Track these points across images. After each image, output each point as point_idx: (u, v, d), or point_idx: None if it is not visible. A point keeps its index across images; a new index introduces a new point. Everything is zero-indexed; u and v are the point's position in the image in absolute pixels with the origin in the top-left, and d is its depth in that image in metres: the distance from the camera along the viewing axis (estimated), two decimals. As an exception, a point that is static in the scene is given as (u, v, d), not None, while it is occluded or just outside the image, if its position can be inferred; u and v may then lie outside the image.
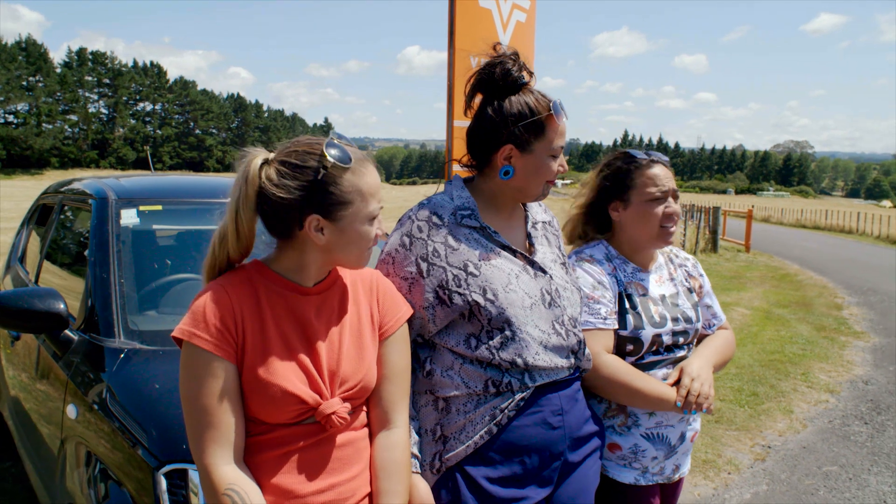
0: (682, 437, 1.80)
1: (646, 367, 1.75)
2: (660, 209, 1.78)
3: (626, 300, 1.77)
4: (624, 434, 1.75)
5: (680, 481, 1.93)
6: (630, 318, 1.74)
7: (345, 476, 1.28)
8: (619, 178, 1.83)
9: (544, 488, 1.48)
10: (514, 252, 1.52)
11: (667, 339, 1.76)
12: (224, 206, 3.01)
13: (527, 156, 1.48)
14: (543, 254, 1.59)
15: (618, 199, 1.83)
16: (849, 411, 5.08)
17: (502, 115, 1.46)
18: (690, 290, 1.92)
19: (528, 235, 1.61)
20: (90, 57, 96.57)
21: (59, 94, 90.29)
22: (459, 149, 3.34)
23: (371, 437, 1.36)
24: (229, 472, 1.16)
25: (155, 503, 1.53)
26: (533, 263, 1.54)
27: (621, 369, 1.68)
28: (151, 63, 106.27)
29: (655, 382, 1.71)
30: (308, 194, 1.21)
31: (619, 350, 1.74)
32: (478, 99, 1.54)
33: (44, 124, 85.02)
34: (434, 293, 1.44)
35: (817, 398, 5.37)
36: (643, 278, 1.84)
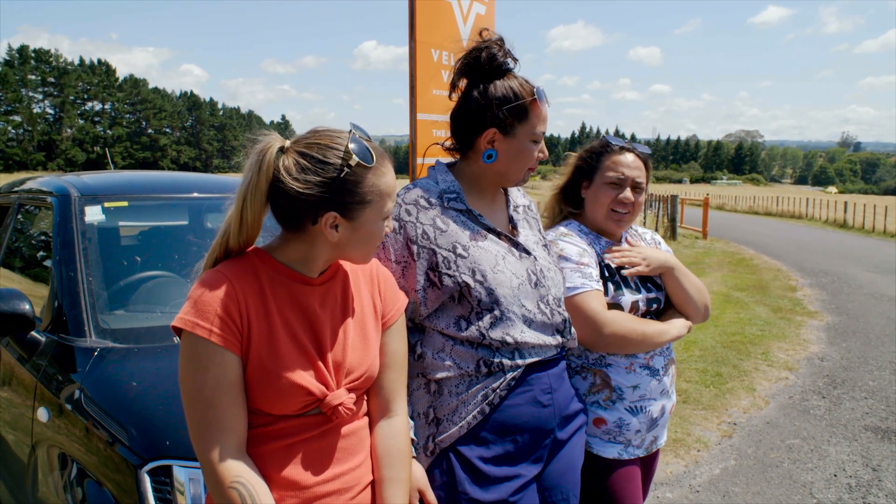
0: (663, 411, 1.87)
1: None
2: (612, 193, 1.86)
3: (605, 269, 1.84)
4: (609, 408, 1.79)
5: (657, 453, 2.00)
6: (610, 285, 1.82)
7: (349, 465, 1.26)
8: (591, 159, 1.93)
9: (536, 465, 1.51)
10: (498, 234, 1.54)
11: (642, 306, 1.84)
12: (193, 202, 2.93)
13: (510, 140, 1.50)
14: (526, 236, 1.61)
15: (586, 178, 1.93)
16: (807, 387, 5.29)
17: (487, 98, 1.48)
18: None
19: (511, 219, 1.62)
20: (33, 55, 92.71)
21: (0, 94, 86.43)
22: (423, 141, 3.36)
23: (371, 425, 1.35)
24: (234, 465, 1.13)
25: (139, 502, 1.49)
26: (517, 245, 1.56)
27: (625, 320, 1.74)
28: (99, 61, 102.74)
29: (652, 322, 1.81)
30: (328, 191, 1.16)
31: None
32: (463, 84, 1.55)
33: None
34: (425, 276, 1.45)
35: (777, 376, 5.57)
36: None
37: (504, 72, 1.51)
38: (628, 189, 1.86)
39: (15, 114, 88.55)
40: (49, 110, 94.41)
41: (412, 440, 1.43)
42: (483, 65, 1.49)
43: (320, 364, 1.22)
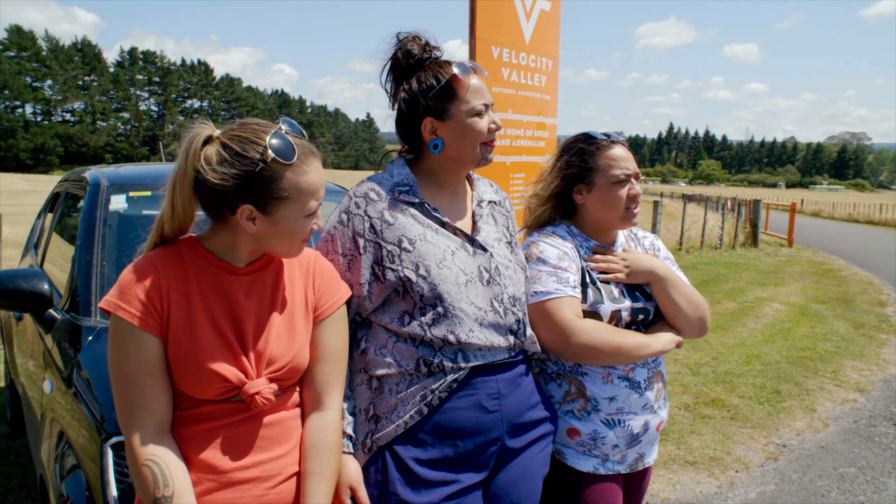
0: (647, 426, 1.74)
1: None
2: (623, 192, 1.76)
3: (587, 274, 1.74)
4: (583, 419, 1.70)
5: (646, 471, 1.87)
6: (590, 292, 1.72)
7: (271, 454, 1.27)
8: (581, 161, 1.80)
9: (479, 473, 1.45)
10: (453, 229, 1.50)
11: (626, 316, 1.73)
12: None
13: (448, 122, 1.48)
14: (487, 232, 1.56)
15: (581, 182, 1.79)
16: (878, 411, 4.83)
17: (413, 93, 1.48)
18: None
19: (473, 213, 1.58)
20: (141, 56, 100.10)
21: (112, 92, 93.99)
22: None
23: (303, 417, 1.36)
24: (150, 444, 1.17)
25: (101, 473, 1.56)
26: (473, 241, 1.51)
27: (599, 330, 1.64)
28: (199, 61, 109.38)
29: (631, 333, 1.69)
30: (243, 184, 1.18)
31: None
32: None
33: (98, 122, 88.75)
34: (370, 270, 1.44)
35: (844, 397, 5.13)
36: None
37: (424, 62, 1.50)
38: (633, 181, 1.77)
39: (124, 111, 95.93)
40: (153, 108, 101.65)
41: (350, 436, 1.42)
42: (401, 64, 1.49)
43: (240, 352, 1.24)
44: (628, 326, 1.74)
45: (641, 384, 1.72)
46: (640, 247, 1.90)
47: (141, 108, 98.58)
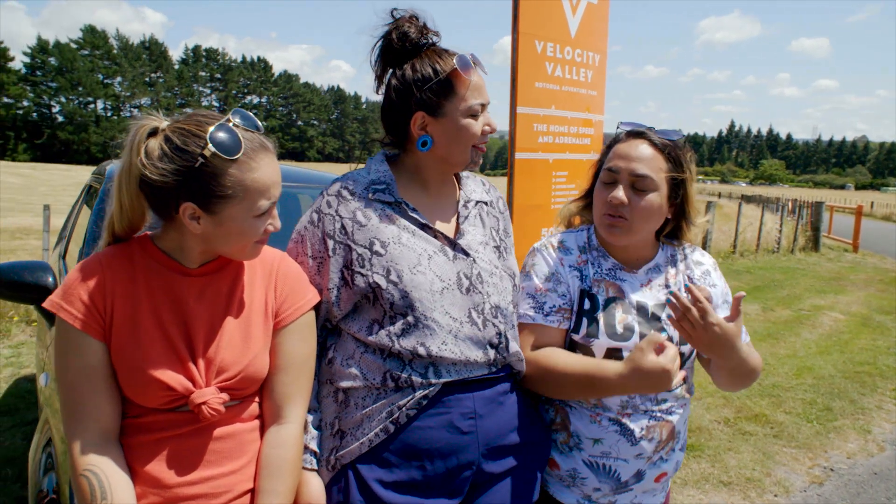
0: (640, 476, 1.48)
1: None
2: (605, 194, 1.47)
3: (586, 300, 1.48)
4: (564, 454, 1.50)
5: None
6: (584, 321, 1.47)
7: (221, 470, 1.19)
8: (602, 155, 1.57)
9: (451, 499, 1.33)
10: (433, 232, 1.38)
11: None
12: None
13: (441, 120, 1.34)
14: (472, 235, 1.42)
15: (596, 179, 1.58)
16: (942, 436, 4.43)
17: (406, 82, 1.34)
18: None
19: (458, 215, 1.45)
20: (204, 53, 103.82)
21: (176, 88, 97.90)
22: (522, 136, 3.17)
23: (263, 430, 1.27)
24: (90, 453, 1.11)
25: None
26: (454, 245, 1.38)
27: (542, 357, 1.43)
28: (258, 58, 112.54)
29: (584, 358, 1.40)
30: (184, 180, 1.10)
31: None
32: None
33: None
34: (339, 274, 1.33)
35: (905, 418, 4.73)
36: (624, 278, 1.52)
37: (421, 48, 1.36)
38: (621, 187, 1.44)
39: (188, 107, 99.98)
40: (215, 103, 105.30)
41: (314, 452, 1.32)
42: (396, 47, 1.35)
43: (188, 358, 1.16)
44: None
45: (636, 433, 1.44)
46: (681, 275, 1.57)
47: (203, 103, 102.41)
